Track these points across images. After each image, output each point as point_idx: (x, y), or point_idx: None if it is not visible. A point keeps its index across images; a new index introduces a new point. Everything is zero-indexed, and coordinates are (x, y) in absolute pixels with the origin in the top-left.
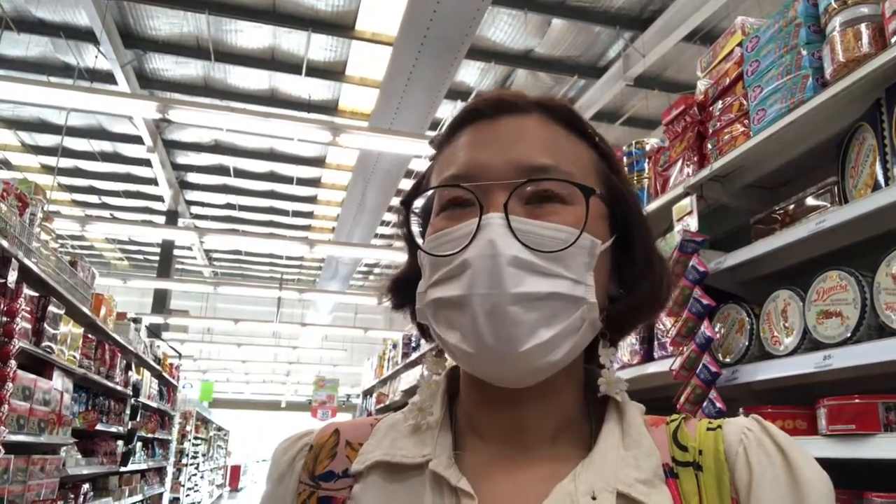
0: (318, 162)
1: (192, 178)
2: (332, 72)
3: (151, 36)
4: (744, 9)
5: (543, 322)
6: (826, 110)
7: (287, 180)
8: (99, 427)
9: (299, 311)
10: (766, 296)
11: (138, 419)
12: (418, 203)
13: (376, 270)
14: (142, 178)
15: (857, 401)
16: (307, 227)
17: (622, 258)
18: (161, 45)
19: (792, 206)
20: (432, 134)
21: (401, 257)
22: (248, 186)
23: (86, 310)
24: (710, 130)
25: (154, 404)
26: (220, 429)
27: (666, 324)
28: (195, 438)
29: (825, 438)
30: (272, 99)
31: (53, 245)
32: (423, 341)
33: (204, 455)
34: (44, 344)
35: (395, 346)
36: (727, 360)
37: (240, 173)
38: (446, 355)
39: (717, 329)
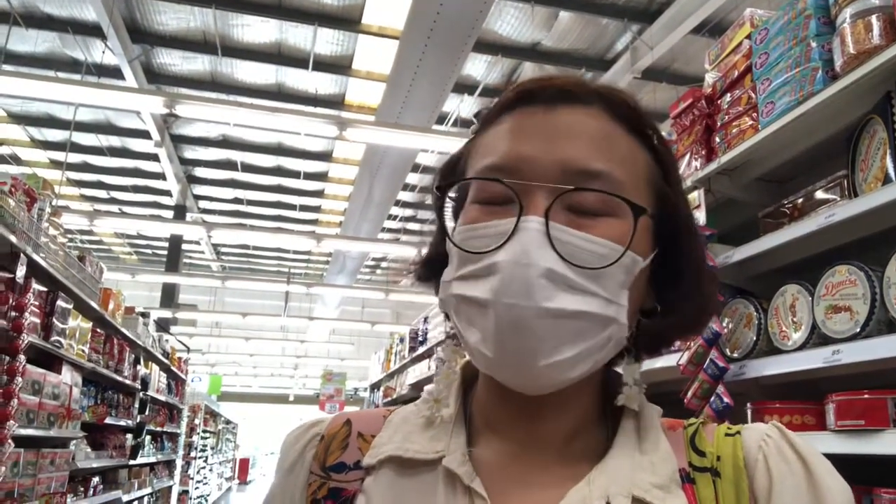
0: (325, 156)
1: (200, 172)
2: (338, 66)
3: (158, 31)
4: (752, 0)
5: (568, 339)
6: (836, 103)
7: (294, 175)
8: (108, 421)
9: (307, 305)
10: (774, 290)
11: (147, 413)
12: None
13: (384, 264)
14: (150, 173)
15: (866, 396)
16: (314, 222)
17: (662, 270)
18: (168, 40)
19: (801, 200)
20: (439, 128)
21: (408, 252)
22: (255, 181)
23: (94, 304)
24: (719, 124)
25: (163, 398)
26: (228, 422)
27: None
28: (204, 432)
29: (834, 434)
30: (279, 93)
31: (62, 240)
32: (429, 336)
33: (213, 448)
34: (53, 338)
35: (401, 340)
36: (735, 354)
37: (247, 168)
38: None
39: (724, 324)
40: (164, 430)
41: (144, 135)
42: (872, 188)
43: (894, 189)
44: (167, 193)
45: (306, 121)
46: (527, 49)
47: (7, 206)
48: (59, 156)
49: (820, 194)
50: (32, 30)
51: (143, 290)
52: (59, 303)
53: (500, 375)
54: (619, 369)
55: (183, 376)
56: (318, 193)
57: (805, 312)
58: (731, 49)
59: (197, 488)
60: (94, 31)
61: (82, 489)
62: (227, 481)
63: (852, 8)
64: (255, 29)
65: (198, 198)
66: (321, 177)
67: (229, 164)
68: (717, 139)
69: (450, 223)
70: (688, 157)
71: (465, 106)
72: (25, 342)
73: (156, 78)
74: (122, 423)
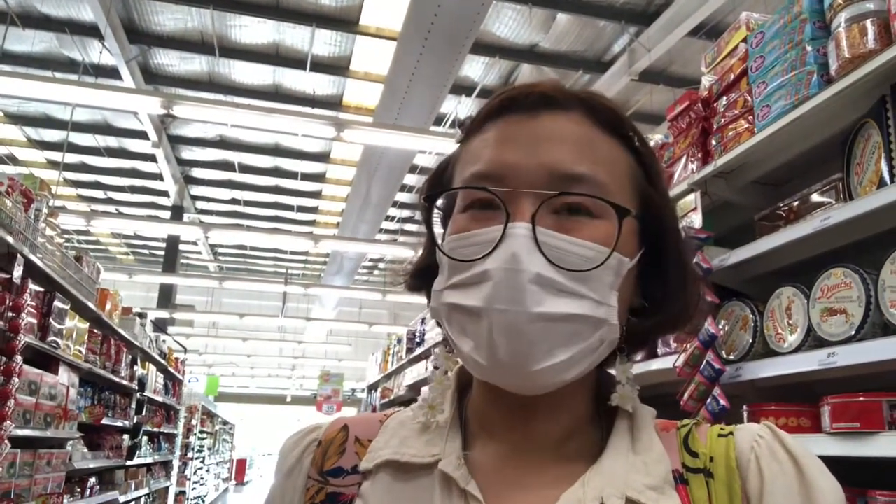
0: (323, 157)
1: (197, 173)
2: (336, 67)
3: (156, 31)
4: (749, 4)
5: (561, 343)
6: (831, 107)
7: (292, 175)
8: (105, 421)
9: (304, 305)
10: (770, 293)
11: (144, 413)
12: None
13: (381, 265)
14: (147, 174)
15: (861, 399)
16: (312, 223)
17: (649, 269)
18: (165, 40)
19: (796, 203)
20: (437, 129)
21: (405, 252)
22: (252, 182)
23: (91, 305)
24: (715, 126)
25: (160, 398)
26: (225, 423)
27: None
28: (201, 432)
29: (829, 436)
30: (276, 94)
31: (59, 240)
32: (426, 337)
33: (209, 449)
34: (49, 339)
35: (399, 341)
36: (731, 357)
37: (244, 168)
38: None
39: (720, 326)
40: (161, 430)
41: (142, 135)
42: (867, 191)
43: (889, 192)
44: (164, 194)
45: (304, 122)
46: (524, 51)
47: (4, 206)
48: (56, 156)
49: (815, 197)
50: (29, 30)
51: (141, 291)
52: (56, 303)
53: (493, 381)
54: (612, 370)
55: (180, 377)
56: (316, 194)
57: (801, 315)
58: (728, 52)
59: (194, 489)
60: (91, 31)
61: (79, 490)
62: (223, 482)
63: (847, 12)
64: (252, 30)
65: (195, 198)
66: (319, 178)
67: (226, 165)
68: (714, 142)
69: (439, 232)
70: (684, 159)
71: (462, 107)
72: (22, 343)
73: (153, 78)
74: (119, 423)
